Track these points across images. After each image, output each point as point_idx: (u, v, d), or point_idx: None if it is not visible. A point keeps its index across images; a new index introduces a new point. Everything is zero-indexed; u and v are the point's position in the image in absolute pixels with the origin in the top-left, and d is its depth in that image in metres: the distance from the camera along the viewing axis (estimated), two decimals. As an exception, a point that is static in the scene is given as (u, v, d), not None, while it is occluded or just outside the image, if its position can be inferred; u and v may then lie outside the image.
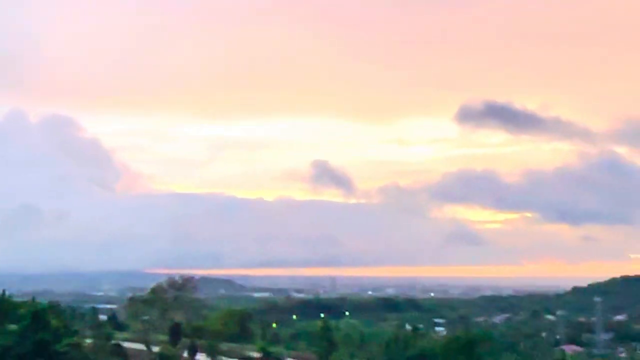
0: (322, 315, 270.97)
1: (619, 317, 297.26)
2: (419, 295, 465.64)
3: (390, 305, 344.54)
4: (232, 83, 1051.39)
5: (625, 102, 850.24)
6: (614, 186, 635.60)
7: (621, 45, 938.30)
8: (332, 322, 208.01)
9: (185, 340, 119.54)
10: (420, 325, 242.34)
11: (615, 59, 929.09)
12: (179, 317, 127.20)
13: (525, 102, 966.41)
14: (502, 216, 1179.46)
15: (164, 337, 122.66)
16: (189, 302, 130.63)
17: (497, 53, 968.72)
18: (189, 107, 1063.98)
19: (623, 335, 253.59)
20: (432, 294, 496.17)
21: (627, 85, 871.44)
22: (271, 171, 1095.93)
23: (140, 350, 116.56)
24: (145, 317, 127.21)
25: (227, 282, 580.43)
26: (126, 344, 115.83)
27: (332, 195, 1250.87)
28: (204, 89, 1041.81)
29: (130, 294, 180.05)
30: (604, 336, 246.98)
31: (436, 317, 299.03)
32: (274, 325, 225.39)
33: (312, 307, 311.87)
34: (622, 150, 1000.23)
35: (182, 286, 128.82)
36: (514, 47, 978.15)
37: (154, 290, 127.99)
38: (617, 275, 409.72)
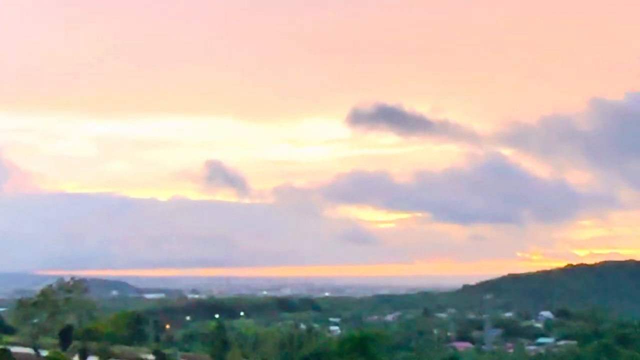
0: (216, 315, 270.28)
1: (508, 314, 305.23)
2: (314, 294, 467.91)
3: (285, 305, 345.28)
4: (123, 81, 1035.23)
5: (510, 105, 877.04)
6: (501, 187, 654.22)
7: (505, 51, 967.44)
8: (227, 323, 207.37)
9: (76, 344, 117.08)
10: (315, 325, 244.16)
11: (500, 64, 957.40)
12: (69, 319, 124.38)
13: (415, 105, 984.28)
14: (394, 216, 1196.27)
15: (54, 341, 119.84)
16: (80, 304, 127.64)
17: (388, 56, 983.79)
18: (79, 104, 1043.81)
19: (511, 332, 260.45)
20: (327, 294, 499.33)
21: (512, 89, 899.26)
22: (165, 171, 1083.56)
23: (29, 355, 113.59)
24: (35, 320, 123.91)
25: (119, 283, 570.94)
26: (14, 349, 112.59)
27: (226, 195, 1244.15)
28: (95, 86, 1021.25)
29: (18, 297, 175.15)
30: (493, 332, 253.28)
31: (331, 317, 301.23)
32: (168, 326, 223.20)
33: (207, 307, 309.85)
34: (507, 152, 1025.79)
35: (72, 288, 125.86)
36: (404, 51, 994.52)
37: (43, 292, 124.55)
38: (506, 273, 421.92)
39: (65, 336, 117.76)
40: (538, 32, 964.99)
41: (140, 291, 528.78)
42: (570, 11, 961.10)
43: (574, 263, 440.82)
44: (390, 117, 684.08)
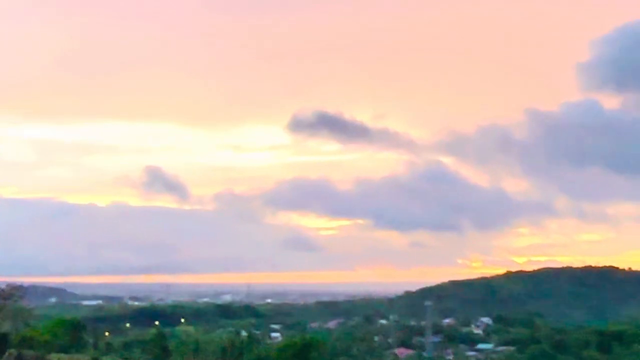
0: (156, 322, 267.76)
1: (448, 320, 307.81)
2: (255, 301, 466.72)
3: (226, 311, 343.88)
4: (62, 84, 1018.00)
5: (449, 114, 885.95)
6: (440, 194, 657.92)
7: (444, 61, 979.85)
8: (167, 330, 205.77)
9: (12, 351, 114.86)
10: (256, 332, 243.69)
11: (439, 74, 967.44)
12: (5, 327, 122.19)
13: (355, 113, 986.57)
14: (335, 223, 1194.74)
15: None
16: (17, 312, 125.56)
17: (330, 64, 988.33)
18: (17, 108, 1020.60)
19: (451, 338, 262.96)
20: (268, 300, 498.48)
21: (450, 99, 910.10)
22: (104, 176, 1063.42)
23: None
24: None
25: (57, 290, 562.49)
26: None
27: (166, 201, 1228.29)
28: (32, 89, 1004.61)
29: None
30: (434, 339, 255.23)
31: (272, 323, 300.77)
32: (107, 333, 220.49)
33: (147, 314, 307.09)
34: (446, 160, 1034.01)
35: (9, 295, 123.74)
36: (345, 58, 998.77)
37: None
38: (446, 279, 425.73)
39: (1, 344, 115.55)
40: (475, 43, 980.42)
41: (78, 298, 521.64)
42: (506, 23, 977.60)
43: (513, 270, 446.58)
44: (330, 125, 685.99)
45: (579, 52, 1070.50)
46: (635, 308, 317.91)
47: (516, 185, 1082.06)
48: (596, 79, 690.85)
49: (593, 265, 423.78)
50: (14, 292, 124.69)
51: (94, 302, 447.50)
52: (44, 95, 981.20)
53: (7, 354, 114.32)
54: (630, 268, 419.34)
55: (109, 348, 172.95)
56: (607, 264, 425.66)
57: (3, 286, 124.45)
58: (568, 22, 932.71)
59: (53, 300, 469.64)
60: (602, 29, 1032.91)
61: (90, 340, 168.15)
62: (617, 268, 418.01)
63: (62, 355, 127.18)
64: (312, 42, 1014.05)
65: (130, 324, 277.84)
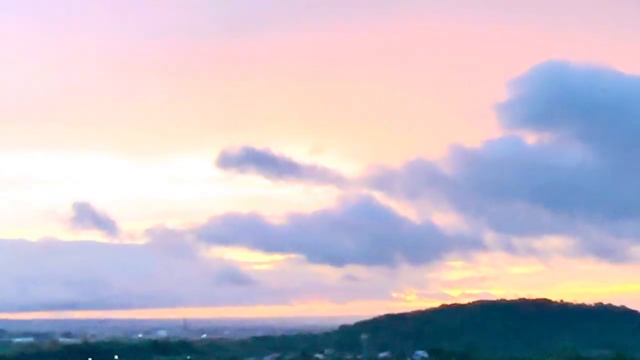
0: (90, 359, 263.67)
1: (383, 354, 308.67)
2: (190, 336, 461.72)
3: (162, 347, 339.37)
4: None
5: (378, 149, 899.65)
6: (373, 228, 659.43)
7: (370, 97, 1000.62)
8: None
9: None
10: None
11: (366, 110, 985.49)
12: None
13: (284, 149, 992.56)
14: (269, 257, 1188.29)
15: None
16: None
17: (259, 98, 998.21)
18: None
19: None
20: (204, 336, 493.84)
21: (378, 134, 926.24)
22: (34, 210, 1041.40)
23: None
24: None
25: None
26: None
27: (98, 236, 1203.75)
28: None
29: None
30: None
31: (208, 359, 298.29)
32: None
33: (80, 351, 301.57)
34: (376, 195, 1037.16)
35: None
36: (275, 93, 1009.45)
37: None
38: (382, 313, 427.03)
39: None
40: (401, 81, 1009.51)
41: (8, 335, 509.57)
42: (429, 64, 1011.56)
43: (448, 303, 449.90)
44: (258, 161, 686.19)
45: (497, 92, 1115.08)
46: (568, 340, 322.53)
47: (445, 218, 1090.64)
48: (515, 117, 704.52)
49: (526, 298, 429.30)
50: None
51: (24, 340, 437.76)
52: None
53: None
54: (562, 300, 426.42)
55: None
56: (540, 297, 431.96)
57: None
58: (487, 63, 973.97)
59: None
60: (518, 70, 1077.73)
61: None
62: (550, 300, 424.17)
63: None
64: (243, 76, 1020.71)
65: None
